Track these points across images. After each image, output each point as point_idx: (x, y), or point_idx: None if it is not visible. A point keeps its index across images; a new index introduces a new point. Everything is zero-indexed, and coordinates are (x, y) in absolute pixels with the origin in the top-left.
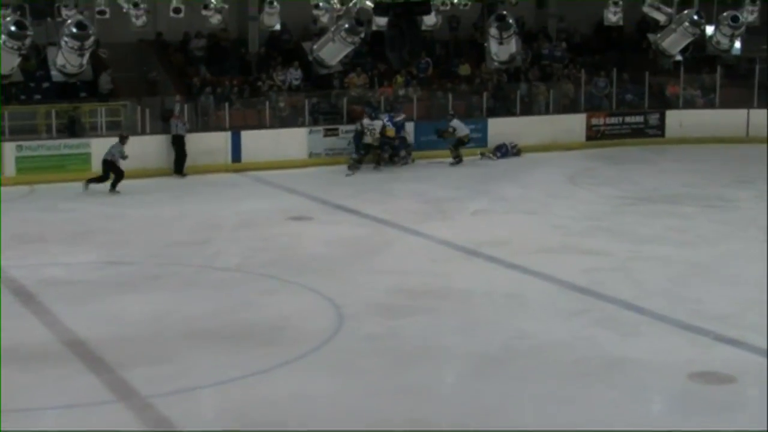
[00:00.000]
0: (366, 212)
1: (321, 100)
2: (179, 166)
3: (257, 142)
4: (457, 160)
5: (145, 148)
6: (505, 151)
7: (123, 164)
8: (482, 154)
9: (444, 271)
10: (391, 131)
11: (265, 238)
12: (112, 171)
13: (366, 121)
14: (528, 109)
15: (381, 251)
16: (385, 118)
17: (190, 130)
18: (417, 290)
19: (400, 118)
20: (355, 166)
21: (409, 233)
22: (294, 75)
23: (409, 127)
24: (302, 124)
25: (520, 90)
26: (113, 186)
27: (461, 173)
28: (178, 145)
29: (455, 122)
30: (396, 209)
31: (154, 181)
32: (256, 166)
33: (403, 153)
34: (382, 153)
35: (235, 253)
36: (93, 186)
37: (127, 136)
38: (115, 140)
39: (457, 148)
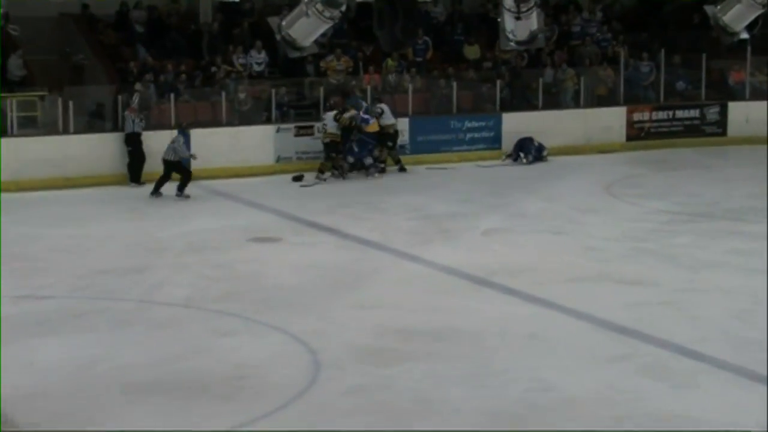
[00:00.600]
0: (348, 231)
1: (292, 90)
2: (136, 172)
3: (211, 143)
4: (396, 165)
5: (67, 151)
6: (532, 150)
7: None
8: (508, 156)
9: (447, 305)
10: (372, 126)
11: (220, 264)
12: (176, 171)
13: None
14: (553, 102)
15: (367, 281)
16: (362, 108)
17: (120, 129)
18: (413, 330)
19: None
20: (319, 174)
21: (403, 258)
22: (257, 58)
23: (403, 123)
24: (268, 121)
25: (543, 77)
26: (180, 189)
27: (468, 182)
28: (135, 146)
29: (385, 107)
30: (386, 228)
31: (94, 192)
32: (209, 174)
33: (369, 160)
34: (346, 155)
35: (182, 283)
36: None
37: (187, 126)
38: (165, 134)
39: (393, 147)
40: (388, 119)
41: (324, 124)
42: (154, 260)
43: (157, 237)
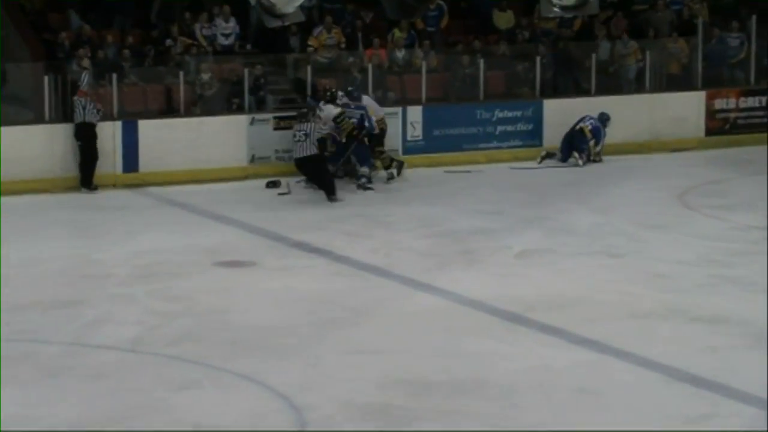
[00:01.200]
0: (343, 253)
1: (270, 70)
2: (87, 174)
3: (165, 138)
4: (390, 174)
5: None
6: (585, 148)
7: None
8: (546, 155)
9: (470, 349)
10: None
11: (177, 296)
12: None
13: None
14: (610, 85)
15: (368, 317)
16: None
17: (53, 119)
18: (426, 382)
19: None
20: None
21: (414, 287)
22: (224, 28)
23: (415, 114)
24: (239, 110)
25: (596, 53)
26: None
27: (499, 189)
28: (87, 139)
29: (366, 98)
30: (392, 248)
31: (20, 201)
32: (164, 179)
33: (364, 170)
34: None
35: (128, 320)
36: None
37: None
38: None
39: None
40: (377, 113)
41: (318, 118)
42: (91, 290)
43: (95, 260)
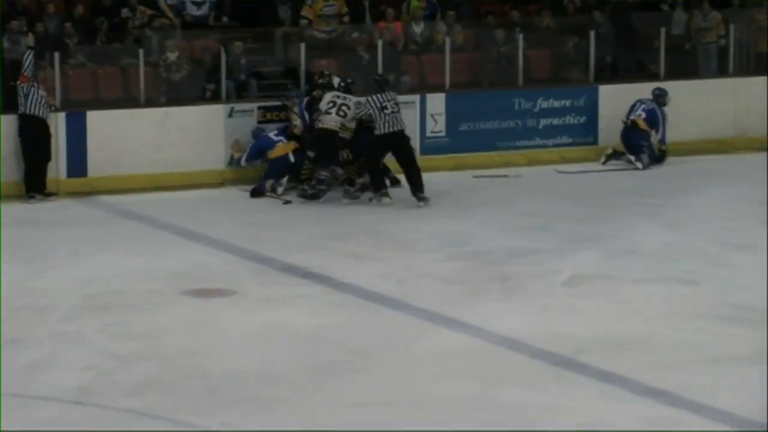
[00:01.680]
0: (346, 279)
1: (253, 47)
2: (35, 178)
3: (120, 134)
4: (381, 193)
5: None
6: (645, 147)
7: None
8: (613, 154)
9: (508, 400)
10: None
11: (136, 333)
12: None
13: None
14: (684, 66)
15: (377, 361)
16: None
17: None
18: None
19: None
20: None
21: (437, 323)
22: None
23: (437, 104)
24: (215, 98)
25: (668, 25)
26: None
27: (543, 198)
28: (33, 135)
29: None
30: (409, 273)
31: None
32: (119, 185)
33: (361, 181)
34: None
35: (74, 365)
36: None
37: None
38: None
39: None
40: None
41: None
42: (28, 327)
43: (33, 288)
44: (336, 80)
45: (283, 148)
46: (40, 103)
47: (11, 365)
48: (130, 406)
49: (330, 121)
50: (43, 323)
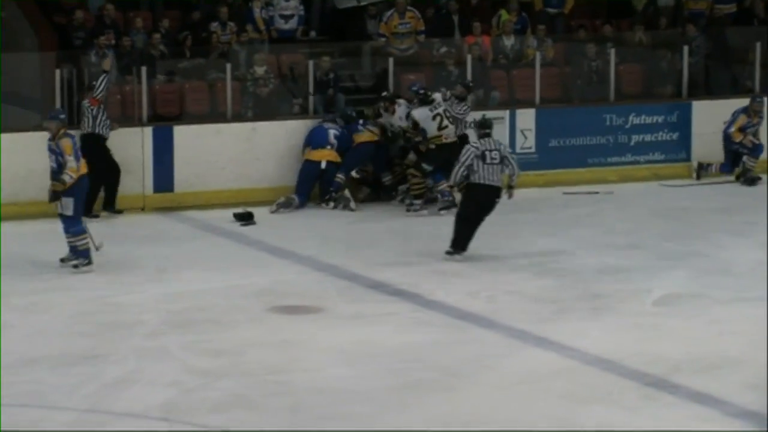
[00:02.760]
0: (434, 297)
1: (342, 62)
2: (108, 193)
3: (207, 149)
4: (417, 203)
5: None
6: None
7: None
8: (703, 167)
9: (600, 421)
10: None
11: (221, 350)
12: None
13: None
14: None
15: (467, 380)
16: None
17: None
18: None
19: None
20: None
21: (526, 341)
22: (284, 9)
23: (527, 119)
24: (302, 112)
25: (763, 39)
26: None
27: (634, 215)
28: (98, 153)
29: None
30: (496, 291)
31: (16, 228)
32: (205, 200)
33: (401, 194)
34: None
35: (159, 381)
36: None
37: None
38: None
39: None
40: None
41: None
42: (113, 342)
43: (119, 303)
44: (438, 95)
45: (369, 135)
46: (106, 124)
47: (96, 381)
48: (216, 423)
49: (450, 133)
50: (128, 339)
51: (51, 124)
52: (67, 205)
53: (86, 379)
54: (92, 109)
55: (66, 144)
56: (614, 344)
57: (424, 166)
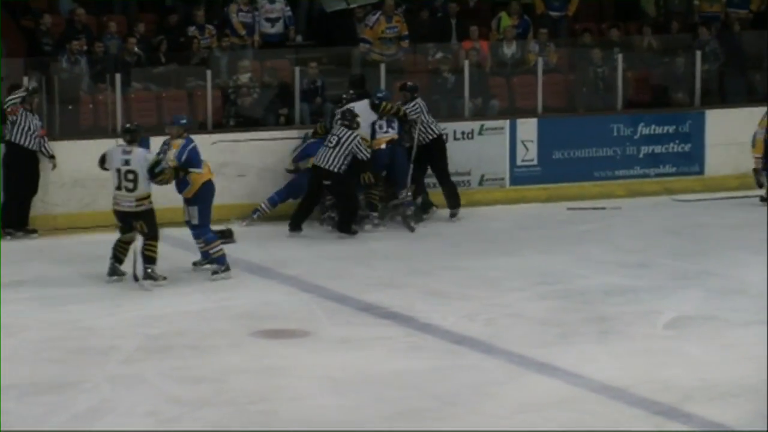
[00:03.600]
0: (429, 320)
1: (330, 69)
2: (13, 213)
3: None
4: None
5: None
6: None
7: None
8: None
9: None
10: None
11: (202, 377)
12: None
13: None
14: None
15: (460, 409)
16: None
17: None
18: None
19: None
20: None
21: (527, 367)
22: (269, 12)
23: (529, 129)
24: (287, 123)
25: None
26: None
27: (642, 232)
28: (22, 167)
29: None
30: (496, 313)
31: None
32: (182, 216)
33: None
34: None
35: (135, 410)
36: None
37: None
38: None
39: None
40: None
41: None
42: (83, 369)
43: (91, 327)
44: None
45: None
46: (29, 132)
47: (67, 412)
48: None
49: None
50: (101, 366)
51: (171, 129)
52: (193, 214)
53: (56, 409)
54: (11, 118)
55: (174, 145)
56: (622, 370)
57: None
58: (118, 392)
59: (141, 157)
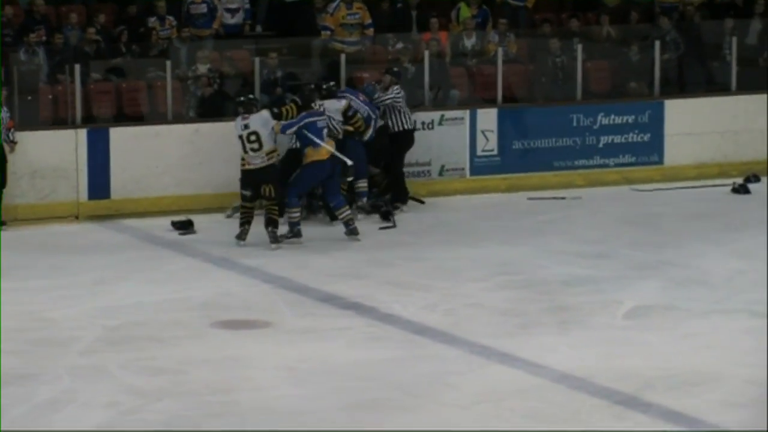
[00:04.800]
0: (390, 310)
1: (289, 59)
2: None
3: (146, 153)
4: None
5: None
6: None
7: None
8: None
9: None
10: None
11: (162, 368)
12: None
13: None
14: (757, 81)
15: (421, 399)
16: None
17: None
18: None
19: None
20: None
21: (489, 358)
22: (229, 2)
23: (488, 119)
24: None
25: (741, 35)
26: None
27: (602, 222)
28: None
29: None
30: (457, 303)
31: None
32: (144, 208)
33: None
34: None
35: (94, 402)
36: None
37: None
38: None
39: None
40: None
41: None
42: (43, 360)
43: (51, 319)
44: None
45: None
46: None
47: (27, 402)
48: None
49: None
50: (61, 357)
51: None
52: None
53: (16, 401)
54: None
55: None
56: (582, 360)
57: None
58: (78, 383)
59: (259, 119)
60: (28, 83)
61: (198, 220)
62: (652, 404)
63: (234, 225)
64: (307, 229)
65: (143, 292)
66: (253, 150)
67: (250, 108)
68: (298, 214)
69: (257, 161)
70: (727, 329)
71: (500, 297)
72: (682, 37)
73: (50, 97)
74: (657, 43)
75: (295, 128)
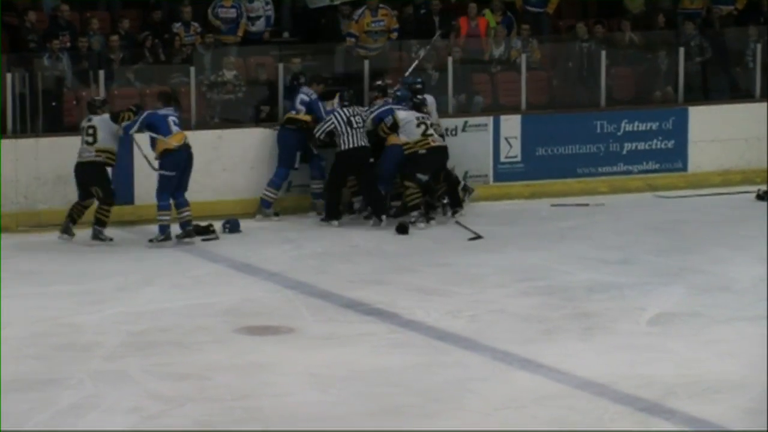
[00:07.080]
0: (413, 316)
1: (314, 64)
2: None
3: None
4: (414, 214)
5: None
6: None
7: None
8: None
9: None
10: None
11: (185, 373)
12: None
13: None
14: None
15: (444, 405)
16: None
17: (19, 132)
18: None
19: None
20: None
21: (511, 364)
22: (254, 9)
23: (512, 126)
24: (269, 119)
25: (764, 42)
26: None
27: (627, 228)
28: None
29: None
30: (480, 310)
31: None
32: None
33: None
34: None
35: (118, 407)
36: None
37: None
38: None
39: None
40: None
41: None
42: (67, 366)
43: (74, 324)
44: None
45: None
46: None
47: (51, 408)
48: None
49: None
50: (84, 362)
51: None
52: None
53: (39, 406)
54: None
55: None
56: (605, 367)
57: (419, 176)
58: (102, 389)
59: (101, 120)
60: (52, 89)
61: (218, 226)
62: (675, 411)
63: (259, 232)
64: (328, 235)
65: (167, 298)
66: (87, 143)
67: (94, 110)
68: (168, 218)
69: (87, 155)
70: (751, 336)
71: (523, 303)
72: (706, 43)
73: (74, 102)
74: (681, 50)
75: (136, 126)
